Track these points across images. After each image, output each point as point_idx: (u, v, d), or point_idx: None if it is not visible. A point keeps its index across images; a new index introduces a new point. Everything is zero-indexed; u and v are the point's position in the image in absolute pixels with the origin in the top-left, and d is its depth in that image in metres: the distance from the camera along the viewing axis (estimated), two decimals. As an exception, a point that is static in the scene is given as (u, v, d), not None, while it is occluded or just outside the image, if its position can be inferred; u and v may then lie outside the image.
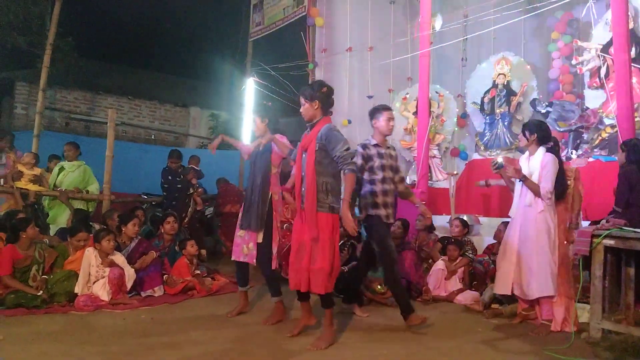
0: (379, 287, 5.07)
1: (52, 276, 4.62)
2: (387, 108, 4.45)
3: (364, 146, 4.34)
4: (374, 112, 4.45)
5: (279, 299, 4.30)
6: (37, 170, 6.39)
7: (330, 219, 3.58)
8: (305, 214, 3.60)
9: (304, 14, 8.80)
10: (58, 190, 6.24)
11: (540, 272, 4.03)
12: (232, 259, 4.43)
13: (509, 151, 7.77)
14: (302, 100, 3.75)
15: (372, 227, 4.28)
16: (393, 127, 4.45)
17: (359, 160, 4.24)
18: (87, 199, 6.41)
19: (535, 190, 4.09)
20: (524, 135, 4.29)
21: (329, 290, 3.60)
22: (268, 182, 4.28)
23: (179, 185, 7.23)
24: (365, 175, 4.32)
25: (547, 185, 4.05)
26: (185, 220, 6.91)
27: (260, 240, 4.24)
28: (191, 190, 7.25)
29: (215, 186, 8.78)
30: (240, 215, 4.42)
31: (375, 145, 4.36)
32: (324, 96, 3.72)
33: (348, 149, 3.60)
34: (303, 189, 3.67)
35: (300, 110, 3.77)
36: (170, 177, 7.27)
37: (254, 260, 4.29)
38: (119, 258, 4.87)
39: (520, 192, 4.25)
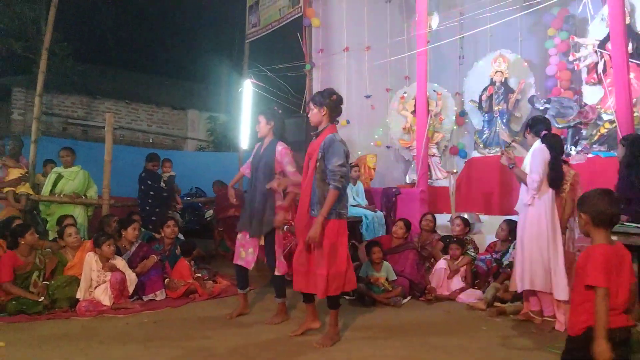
0: (385, 283, 5.07)
1: (53, 282, 4.60)
2: None
3: None
4: None
5: (282, 301, 4.33)
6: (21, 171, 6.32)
7: (336, 224, 3.64)
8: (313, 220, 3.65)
9: (300, 14, 8.77)
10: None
11: (529, 267, 4.03)
12: (233, 262, 4.45)
13: (509, 147, 7.77)
14: (311, 105, 3.81)
15: None
16: None
17: None
18: (87, 204, 6.39)
19: (523, 179, 4.13)
20: (524, 135, 4.39)
21: (330, 294, 3.63)
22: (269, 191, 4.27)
23: (165, 194, 7.02)
24: None
25: (533, 174, 4.06)
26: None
27: (262, 243, 4.26)
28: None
29: (212, 190, 8.73)
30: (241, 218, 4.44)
31: None
32: (333, 104, 3.77)
33: (343, 165, 3.60)
34: (312, 195, 3.71)
35: (309, 115, 3.85)
36: (150, 182, 6.94)
37: (251, 266, 4.32)
38: (120, 262, 4.85)
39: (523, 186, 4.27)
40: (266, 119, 4.38)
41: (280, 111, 4.57)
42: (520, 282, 4.18)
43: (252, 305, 4.76)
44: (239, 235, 4.39)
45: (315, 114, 3.76)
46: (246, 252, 4.32)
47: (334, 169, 3.57)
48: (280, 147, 4.29)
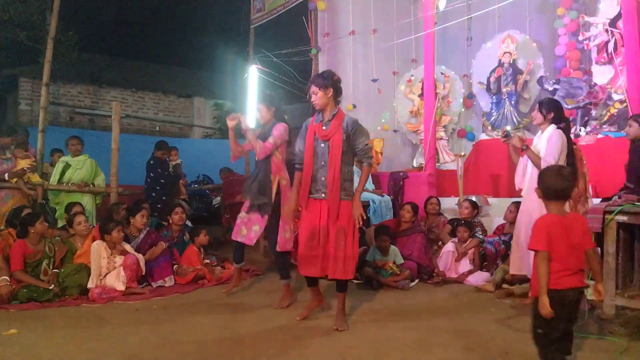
0: (394, 266, 5.07)
1: (62, 270, 4.64)
2: None
3: None
4: None
5: (287, 282, 4.40)
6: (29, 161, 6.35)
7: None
8: (330, 203, 3.63)
9: (305, -2, 8.68)
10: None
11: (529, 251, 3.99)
12: (232, 237, 4.51)
13: (517, 130, 7.70)
14: (314, 89, 3.69)
15: None
16: None
17: None
18: (95, 192, 6.42)
19: (536, 162, 4.03)
20: (541, 112, 4.16)
21: (353, 276, 3.75)
22: (269, 167, 4.34)
23: (172, 181, 7.05)
24: None
25: (548, 157, 3.96)
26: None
27: (266, 224, 4.33)
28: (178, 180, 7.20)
29: (219, 176, 8.75)
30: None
31: None
32: (336, 84, 3.74)
33: (367, 143, 3.74)
34: (322, 177, 3.67)
35: (313, 99, 3.72)
36: (160, 170, 6.95)
37: (253, 242, 4.40)
38: (126, 247, 4.90)
39: (529, 168, 4.20)
40: (267, 105, 4.43)
41: (273, 94, 4.63)
42: (525, 266, 4.13)
43: (259, 290, 4.85)
44: (242, 214, 4.44)
45: (321, 96, 3.67)
46: (249, 229, 4.36)
47: (365, 148, 3.69)
48: (279, 124, 4.36)
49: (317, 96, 3.68)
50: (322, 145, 3.69)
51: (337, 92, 3.75)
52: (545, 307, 2.46)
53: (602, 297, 2.68)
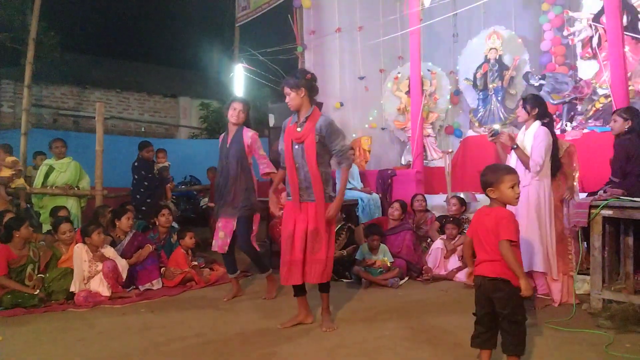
0: (385, 260, 5.07)
1: (48, 275, 4.56)
2: None
3: None
4: None
5: (269, 273, 4.58)
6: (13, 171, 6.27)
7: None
8: (316, 205, 3.55)
9: (290, -5, 8.66)
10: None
11: (527, 247, 3.99)
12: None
13: (504, 126, 7.74)
14: (286, 90, 3.58)
15: None
16: None
17: None
18: (80, 195, 6.34)
19: (525, 161, 4.01)
20: (525, 109, 4.13)
21: (329, 278, 3.67)
22: (247, 170, 4.44)
23: (157, 183, 6.95)
24: None
25: (536, 157, 3.96)
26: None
27: (236, 226, 4.41)
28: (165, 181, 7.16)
29: (207, 176, 8.69)
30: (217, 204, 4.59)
31: None
32: (309, 83, 3.61)
33: (344, 144, 3.64)
34: (298, 180, 3.60)
35: (287, 100, 3.62)
36: (144, 172, 6.80)
37: (224, 250, 4.47)
38: (109, 251, 4.77)
39: (515, 165, 4.20)
40: (246, 110, 4.53)
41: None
42: None
43: (247, 291, 4.83)
44: (219, 223, 4.54)
45: (293, 97, 3.56)
46: (217, 236, 4.47)
47: (343, 149, 3.60)
48: (250, 132, 4.46)
49: (290, 97, 3.58)
50: (297, 147, 3.60)
51: (312, 91, 3.62)
52: (469, 276, 2.84)
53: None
